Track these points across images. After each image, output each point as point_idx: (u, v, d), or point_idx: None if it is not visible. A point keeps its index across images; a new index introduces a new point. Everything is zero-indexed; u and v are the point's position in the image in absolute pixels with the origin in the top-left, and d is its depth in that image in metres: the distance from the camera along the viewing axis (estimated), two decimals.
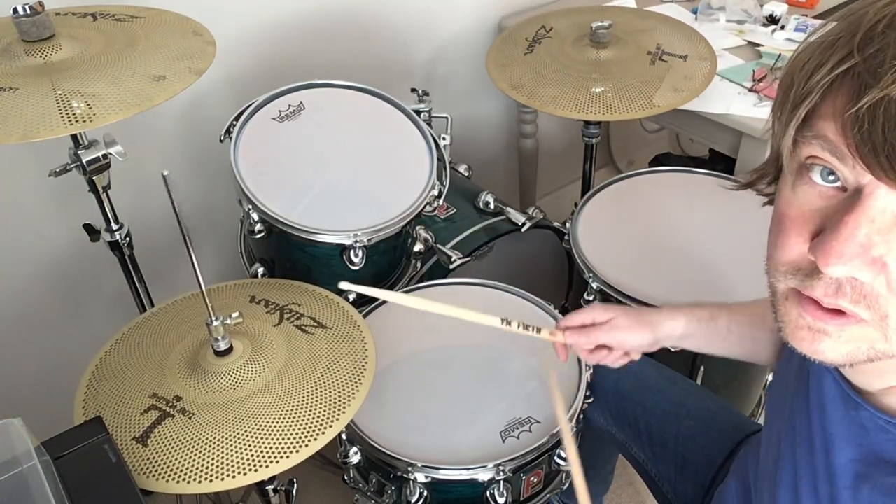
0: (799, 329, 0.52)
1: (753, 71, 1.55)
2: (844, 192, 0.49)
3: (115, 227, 1.21)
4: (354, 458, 1.06)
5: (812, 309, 0.51)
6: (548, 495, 1.10)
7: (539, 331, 0.92)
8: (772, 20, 1.71)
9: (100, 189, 1.14)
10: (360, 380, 0.96)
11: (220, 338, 0.94)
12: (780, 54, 1.59)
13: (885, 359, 0.51)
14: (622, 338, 0.92)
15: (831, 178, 0.49)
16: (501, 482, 0.99)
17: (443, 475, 0.98)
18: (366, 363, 0.99)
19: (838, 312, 0.50)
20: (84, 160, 1.07)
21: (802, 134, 0.50)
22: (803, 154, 0.50)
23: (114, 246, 1.22)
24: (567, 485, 1.11)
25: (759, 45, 1.65)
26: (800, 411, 0.68)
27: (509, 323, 0.91)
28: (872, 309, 0.49)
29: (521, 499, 1.07)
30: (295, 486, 1.10)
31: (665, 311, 0.94)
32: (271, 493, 1.07)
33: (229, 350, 0.96)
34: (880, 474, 0.58)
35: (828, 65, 0.48)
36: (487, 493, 1.00)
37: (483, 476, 0.98)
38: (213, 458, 0.86)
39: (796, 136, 0.50)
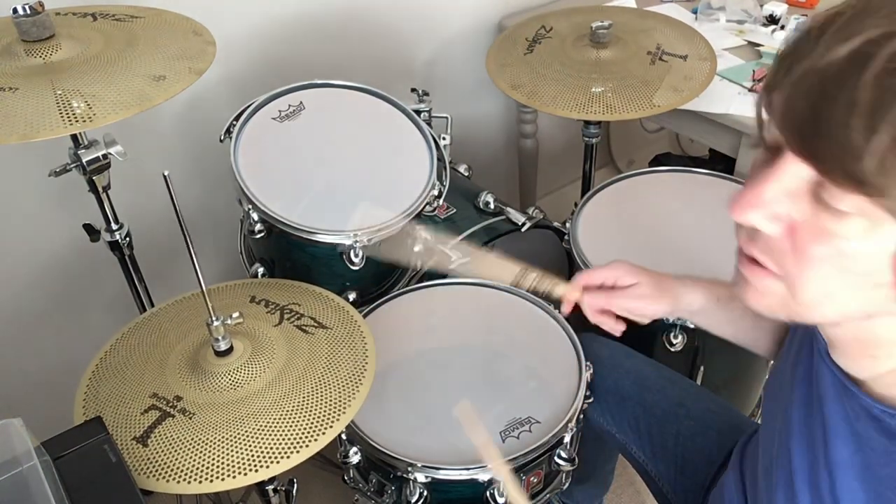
0: (735, 275, 0.59)
1: (753, 71, 1.55)
2: (776, 154, 0.53)
3: (115, 227, 1.21)
4: (354, 458, 1.06)
5: (740, 258, 0.58)
6: (548, 495, 1.10)
7: (556, 286, 0.94)
8: (772, 20, 1.71)
9: (100, 189, 1.14)
10: (360, 380, 0.96)
11: (220, 338, 0.94)
12: None
13: (799, 320, 0.56)
14: (643, 306, 0.91)
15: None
16: (501, 482, 0.99)
17: (443, 475, 0.98)
18: (366, 363, 0.99)
19: (757, 263, 0.56)
20: (84, 160, 1.07)
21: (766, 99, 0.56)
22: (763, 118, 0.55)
23: (114, 246, 1.22)
24: (567, 485, 1.11)
25: (759, 45, 1.65)
26: (797, 404, 0.68)
27: (525, 276, 0.93)
28: (780, 265, 0.54)
29: None
30: (295, 486, 1.10)
31: (688, 283, 0.93)
32: (271, 493, 1.07)
33: (230, 350, 0.96)
34: (879, 465, 0.58)
35: (790, 46, 0.52)
36: (487, 494, 1.00)
37: (483, 476, 0.98)
38: (213, 459, 0.86)
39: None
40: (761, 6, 1.73)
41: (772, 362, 0.94)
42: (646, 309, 0.91)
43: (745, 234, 0.56)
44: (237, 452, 0.86)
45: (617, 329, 0.95)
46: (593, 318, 0.95)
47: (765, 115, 0.53)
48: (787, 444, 0.69)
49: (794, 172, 0.50)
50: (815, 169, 0.48)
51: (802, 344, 0.70)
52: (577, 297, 0.93)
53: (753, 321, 0.91)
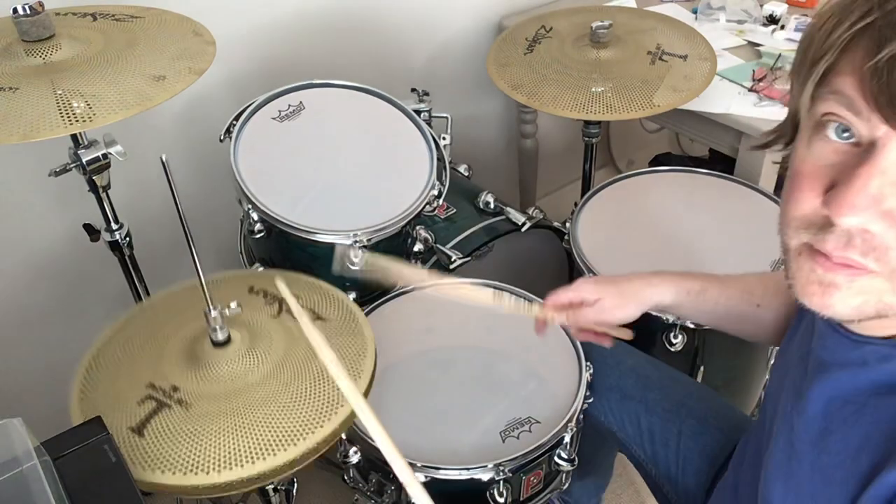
0: (809, 284, 0.54)
1: (753, 71, 1.55)
2: (858, 147, 0.50)
3: (115, 226, 1.21)
4: (354, 457, 1.06)
5: (823, 261, 0.52)
6: (548, 495, 1.10)
7: (531, 308, 0.96)
8: (772, 20, 1.71)
9: (100, 189, 1.14)
10: (359, 372, 0.95)
11: (218, 328, 0.94)
12: (780, 54, 1.59)
13: (893, 314, 0.53)
14: (610, 317, 0.94)
15: (846, 134, 0.51)
16: (501, 482, 0.99)
17: (443, 475, 0.98)
18: (365, 355, 0.98)
19: (847, 266, 0.51)
20: (84, 160, 1.07)
21: (819, 91, 0.52)
22: (819, 111, 0.52)
23: (114, 246, 1.22)
24: (567, 485, 1.11)
25: (759, 45, 1.65)
26: (786, 394, 0.68)
27: (501, 298, 0.96)
28: (882, 261, 0.50)
29: (521, 499, 1.07)
30: (295, 485, 1.09)
31: (654, 281, 0.94)
32: (271, 493, 1.07)
33: (227, 341, 0.95)
34: (884, 405, 0.57)
35: (847, 22, 0.49)
36: (487, 494, 1.00)
37: (483, 476, 0.98)
38: (210, 449, 0.85)
39: (814, 93, 0.52)
40: (761, 6, 1.73)
41: (772, 362, 0.94)
42: (613, 318, 0.94)
43: (834, 240, 0.51)
44: (235, 443, 0.86)
45: (606, 343, 0.99)
46: (576, 336, 0.99)
47: (842, 111, 0.50)
48: (777, 442, 0.69)
49: (895, 160, 0.48)
50: None
51: (803, 338, 0.70)
52: (550, 317, 0.96)
53: (730, 311, 0.93)
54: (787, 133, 0.62)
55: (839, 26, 0.50)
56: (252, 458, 0.85)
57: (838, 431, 0.61)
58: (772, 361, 1.30)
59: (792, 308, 0.88)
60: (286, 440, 0.87)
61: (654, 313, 1.16)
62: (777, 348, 0.91)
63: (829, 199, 0.50)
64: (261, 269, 1.26)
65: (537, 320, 0.98)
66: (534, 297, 1.22)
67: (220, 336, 0.94)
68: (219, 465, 0.84)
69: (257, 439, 0.86)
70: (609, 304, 0.94)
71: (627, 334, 1.00)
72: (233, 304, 0.94)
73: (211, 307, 0.91)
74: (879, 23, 0.47)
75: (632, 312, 0.94)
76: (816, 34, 0.52)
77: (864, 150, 0.49)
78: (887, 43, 0.46)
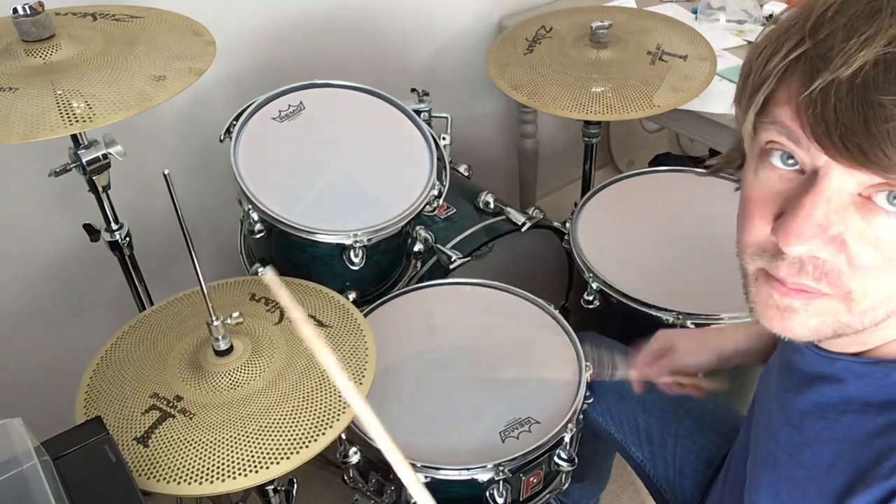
0: (768, 308, 0.55)
1: None
2: (803, 174, 0.51)
3: (115, 227, 1.21)
4: (354, 457, 1.06)
5: (779, 287, 0.53)
6: (547, 495, 1.10)
7: (614, 373, 1.03)
8: (772, 20, 1.70)
9: (100, 189, 1.14)
10: (360, 379, 0.96)
11: (220, 337, 0.94)
12: None
13: (850, 331, 0.53)
14: (683, 362, 0.97)
15: (790, 161, 0.51)
16: (501, 482, 0.99)
17: (443, 475, 0.98)
18: (366, 362, 0.99)
19: (802, 291, 0.52)
20: (84, 160, 1.07)
21: (760, 120, 0.52)
22: (763, 139, 0.52)
23: (114, 246, 1.22)
24: (567, 485, 1.11)
25: None
26: (778, 400, 0.68)
27: (589, 367, 1.04)
28: (835, 285, 0.51)
29: (521, 499, 1.07)
30: (295, 486, 1.10)
31: (727, 332, 0.97)
32: (271, 493, 1.07)
33: (230, 350, 0.95)
34: (868, 419, 0.58)
35: (782, 51, 0.50)
36: (487, 494, 1.00)
37: (483, 476, 0.98)
38: (214, 459, 0.86)
39: (755, 121, 0.52)
40: (761, 6, 1.73)
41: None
42: (688, 364, 0.97)
43: (787, 267, 0.52)
44: (238, 453, 0.86)
45: (694, 392, 1.00)
46: (668, 390, 1.01)
47: (783, 140, 0.50)
48: (764, 449, 0.69)
49: (838, 187, 0.48)
50: (877, 175, 0.46)
51: (785, 346, 0.70)
52: (644, 375, 1.01)
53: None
54: (737, 158, 0.62)
55: (775, 55, 0.50)
56: (256, 467, 0.85)
57: (813, 445, 0.61)
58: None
59: None
60: (289, 449, 0.87)
61: (653, 313, 1.17)
62: None
63: (777, 228, 0.51)
64: (261, 269, 1.26)
65: (635, 383, 1.03)
66: (534, 297, 1.22)
67: (223, 345, 0.95)
68: (224, 475, 0.85)
69: (262, 448, 0.87)
70: (683, 347, 0.96)
71: (724, 386, 1.00)
72: (235, 314, 0.95)
73: (214, 317, 0.92)
74: (811, 53, 0.48)
75: (706, 359, 0.96)
76: (755, 62, 0.52)
77: (808, 179, 0.50)
78: (818, 74, 0.46)
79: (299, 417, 0.90)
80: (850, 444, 0.58)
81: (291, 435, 0.88)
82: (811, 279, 0.51)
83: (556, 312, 1.19)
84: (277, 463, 0.86)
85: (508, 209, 1.46)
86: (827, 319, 0.53)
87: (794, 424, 0.64)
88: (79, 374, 0.99)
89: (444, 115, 1.35)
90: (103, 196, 1.16)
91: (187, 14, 1.14)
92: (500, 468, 0.98)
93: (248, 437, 0.88)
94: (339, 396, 0.93)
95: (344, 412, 0.91)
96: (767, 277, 0.54)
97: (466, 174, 1.54)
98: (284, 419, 0.90)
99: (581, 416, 1.08)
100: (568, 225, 1.36)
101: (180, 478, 0.84)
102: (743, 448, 0.80)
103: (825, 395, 0.61)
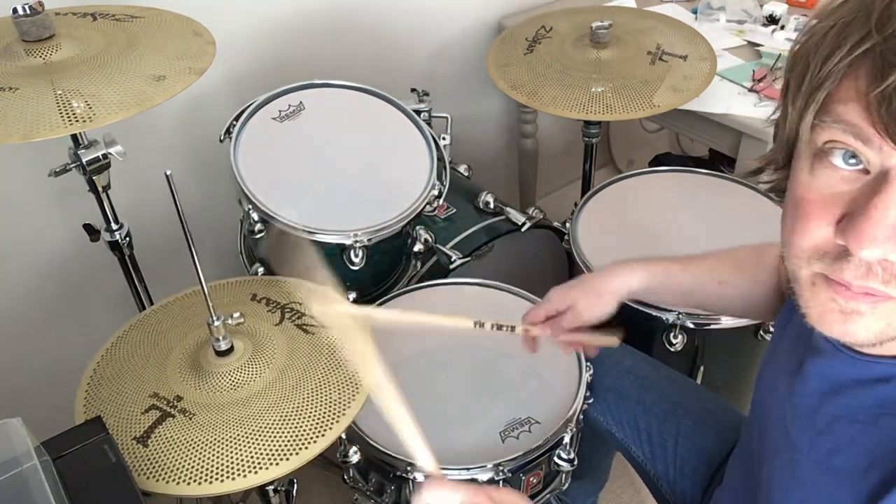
0: (829, 313, 0.52)
1: (753, 71, 1.55)
2: (867, 174, 0.49)
3: (115, 227, 1.21)
4: (354, 457, 1.06)
5: (843, 291, 0.51)
6: (547, 495, 1.10)
7: (513, 329, 0.95)
8: (772, 20, 1.71)
9: (100, 189, 1.14)
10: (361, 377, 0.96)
11: (220, 338, 0.94)
12: (780, 54, 1.59)
13: None
14: (589, 317, 0.93)
15: (853, 161, 0.49)
16: (501, 482, 0.99)
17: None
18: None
19: (869, 294, 0.50)
20: (84, 160, 1.07)
21: (820, 119, 0.50)
22: (821, 139, 0.50)
23: (114, 246, 1.22)
24: (567, 485, 1.11)
25: (759, 45, 1.65)
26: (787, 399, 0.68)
27: (482, 325, 0.93)
28: None
29: None
30: (295, 486, 1.09)
31: (620, 270, 0.95)
32: (271, 493, 1.07)
33: (230, 350, 0.95)
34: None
35: (845, 47, 0.47)
36: None
37: (482, 476, 0.98)
38: (214, 460, 0.86)
39: (814, 121, 0.50)
40: (761, 6, 1.73)
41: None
42: (592, 318, 0.94)
43: (853, 270, 0.49)
44: (238, 453, 0.86)
45: (592, 353, 1.02)
46: (564, 351, 1.00)
47: (849, 139, 0.48)
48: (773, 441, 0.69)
49: None
50: None
51: (798, 340, 0.69)
52: (533, 334, 0.97)
53: (704, 291, 0.94)
54: (780, 159, 0.59)
55: (836, 51, 0.48)
56: (256, 467, 0.85)
57: (845, 451, 0.60)
58: None
59: (760, 286, 0.89)
60: (289, 450, 0.87)
61: (653, 313, 1.17)
62: None
63: (845, 231, 0.48)
64: (261, 269, 1.26)
65: (524, 340, 0.98)
66: (534, 296, 1.22)
67: (223, 345, 0.95)
68: (224, 475, 0.84)
69: (262, 449, 0.87)
70: (583, 305, 0.93)
71: (614, 342, 0.99)
72: (235, 315, 0.95)
73: (214, 317, 0.92)
74: (880, 47, 0.45)
75: (608, 307, 0.93)
76: (812, 59, 0.50)
77: (877, 179, 0.48)
78: (892, 69, 0.44)
79: (299, 418, 0.90)
80: (889, 446, 0.57)
81: (292, 435, 0.88)
82: (879, 282, 0.49)
83: None
84: (277, 463, 0.86)
85: (508, 209, 1.46)
86: (893, 322, 0.51)
87: (818, 430, 0.62)
88: (79, 375, 0.99)
89: (444, 115, 1.35)
90: (103, 196, 1.16)
91: (187, 14, 1.14)
92: (500, 468, 0.98)
93: (248, 437, 0.88)
94: (340, 398, 0.93)
95: (345, 413, 0.91)
96: (828, 281, 0.51)
97: (466, 174, 1.54)
98: (285, 419, 0.90)
99: (581, 416, 1.08)
100: (568, 225, 1.36)
101: (180, 478, 0.84)
102: (745, 452, 0.80)
103: (861, 398, 0.59)
